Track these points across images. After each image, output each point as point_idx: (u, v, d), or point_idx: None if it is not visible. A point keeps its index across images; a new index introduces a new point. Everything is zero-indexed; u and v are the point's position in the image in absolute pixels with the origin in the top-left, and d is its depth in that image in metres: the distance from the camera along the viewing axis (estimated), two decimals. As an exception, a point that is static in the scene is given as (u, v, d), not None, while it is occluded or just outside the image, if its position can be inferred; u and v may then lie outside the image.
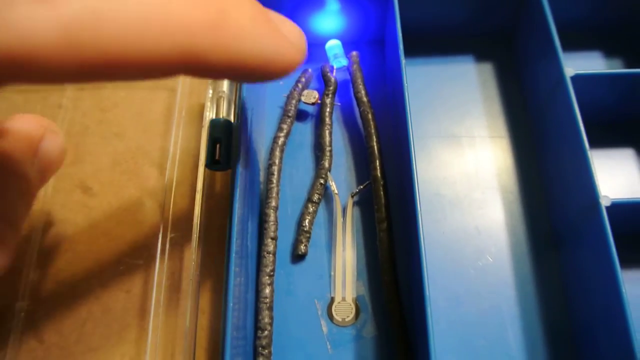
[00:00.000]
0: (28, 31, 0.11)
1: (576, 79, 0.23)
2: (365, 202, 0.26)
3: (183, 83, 0.29)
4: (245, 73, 0.15)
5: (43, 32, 0.11)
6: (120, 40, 0.11)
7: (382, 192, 0.24)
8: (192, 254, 0.24)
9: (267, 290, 0.23)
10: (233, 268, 0.21)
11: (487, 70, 0.29)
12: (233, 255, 0.21)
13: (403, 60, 0.24)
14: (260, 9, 0.15)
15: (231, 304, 0.20)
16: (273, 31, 0.15)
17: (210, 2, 0.13)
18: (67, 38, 0.11)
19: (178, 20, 0.12)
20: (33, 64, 0.11)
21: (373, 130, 0.25)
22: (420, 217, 0.21)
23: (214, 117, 0.25)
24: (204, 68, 0.14)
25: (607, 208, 0.21)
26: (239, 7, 0.14)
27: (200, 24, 0.13)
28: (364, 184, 0.25)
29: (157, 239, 0.25)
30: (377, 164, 0.25)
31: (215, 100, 0.25)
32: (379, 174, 0.25)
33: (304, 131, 0.28)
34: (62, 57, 0.11)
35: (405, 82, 0.23)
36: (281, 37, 0.15)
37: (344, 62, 0.28)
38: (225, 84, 0.25)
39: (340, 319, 0.24)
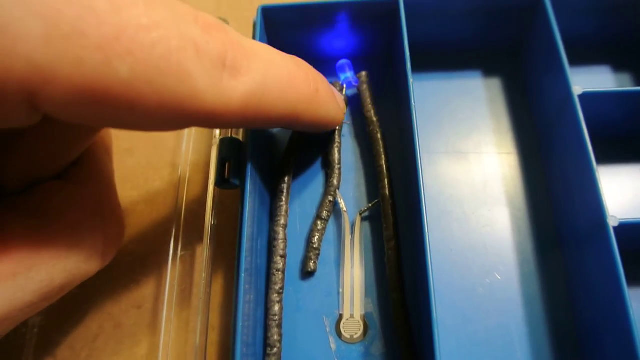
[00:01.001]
0: (228, 96, 0.15)
1: (584, 97, 0.24)
2: (373, 219, 0.26)
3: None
4: (318, 127, 0.23)
5: (234, 98, 0.16)
6: (267, 104, 0.17)
7: (390, 211, 0.24)
8: (202, 272, 0.24)
9: (277, 308, 0.23)
10: (243, 285, 0.21)
11: (494, 86, 0.29)
12: (243, 273, 0.21)
13: (410, 77, 0.24)
14: (329, 85, 0.23)
15: (241, 322, 0.20)
16: (335, 101, 0.23)
17: (312, 82, 0.20)
18: (245, 101, 0.16)
19: (295, 93, 0.19)
20: (221, 118, 0.16)
21: (382, 150, 0.26)
22: (427, 235, 0.21)
23: (223, 136, 0.25)
24: (297, 124, 0.21)
25: (615, 228, 0.21)
26: (323, 86, 0.21)
27: (305, 97, 0.19)
28: (373, 203, 0.26)
29: (168, 255, 0.26)
30: (386, 182, 0.25)
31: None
32: (387, 193, 0.25)
33: (314, 148, 0.28)
34: (237, 114, 0.16)
35: (412, 98, 0.24)
36: (338, 105, 0.23)
37: (353, 81, 0.28)
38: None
39: (348, 336, 0.24)
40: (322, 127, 0.23)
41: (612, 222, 0.21)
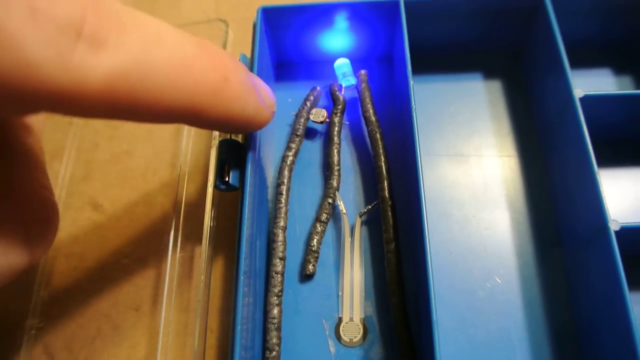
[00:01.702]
0: (82, 74, 0.12)
1: (585, 99, 0.23)
2: (373, 221, 0.26)
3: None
4: (231, 127, 0.19)
5: (92, 78, 0.12)
6: (146, 92, 0.14)
7: (390, 213, 0.24)
8: (201, 274, 0.24)
9: (275, 311, 0.23)
10: (242, 288, 0.21)
11: (495, 88, 0.29)
12: (242, 275, 0.21)
13: (411, 79, 0.24)
14: (247, 75, 0.18)
15: (239, 325, 0.20)
16: (255, 95, 0.18)
17: (218, 70, 0.16)
18: (109, 84, 0.13)
19: (193, 81, 0.15)
20: (75, 101, 0.12)
21: (381, 150, 0.26)
22: (427, 238, 0.21)
23: (222, 137, 0.25)
24: (200, 121, 0.17)
25: (616, 232, 0.21)
26: (235, 74, 0.17)
27: (207, 87, 0.16)
28: (372, 204, 0.26)
29: (167, 257, 0.26)
30: (385, 184, 0.25)
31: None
32: (387, 195, 0.25)
33: (313, 150, 0.28)
34: (99, 99, 0.13)
35: (412, 100, 0.24)
36: (260, 100, 0.19)
37: (352, 80, 0.28)
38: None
39: (348, 340, 0.24)
40: (237, 127, 0.19)
41: (613, 226, 0.21)
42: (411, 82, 0.24)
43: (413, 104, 0.23)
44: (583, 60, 0.29)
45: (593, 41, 0.29)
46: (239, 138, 0.25)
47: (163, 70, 0.14)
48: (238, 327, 0.20)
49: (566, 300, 0.24)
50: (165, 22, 0.15)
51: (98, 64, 0.12)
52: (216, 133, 0.26)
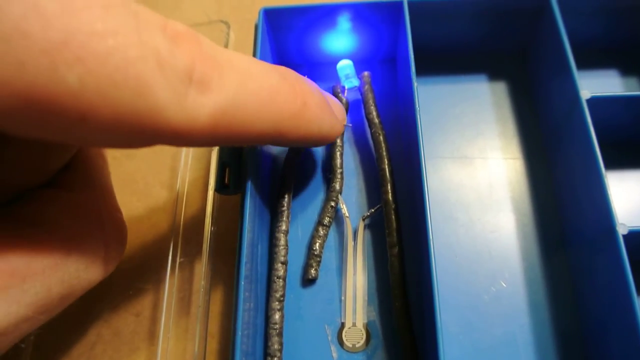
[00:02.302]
0: (195, 114, 0.14)
1: (592, 101, 0.23)
2: (376, 225, 0.25)
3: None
4: (309, 144, 0.21)
5: (202, 117, 0.14)
6: (241, 123, 0.16)
7: (393, 216, 0.24)
8: (201, 279, 0.24)
9: (277, 316, 0.23)
10: (243, 293, 0.20)
11: (500, 90, 0.29)
12: (242, 280, 0.21)
13: (414, 80, 0.24)
14: (322, 95, 0.20)
15: (240, 330, 0.20)
16: (329, 113, 0.21)
17: (299, 96, 0.18)
18: (213, 120, 0.15)
19: (278, 109, 0.17)
20: (187, 137, 0.14)
21: (384, 153, 0.25)
22: (432, 242, 0.20)
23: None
24: (283, 142, 0.19)
25: (624, 236, 0.20)
26: (312, 99, 0.19)
27: (290, 112, 0.18)
28: (375, 208, 0.25)
29: (167, 262, 0.25)
30: (389, 187, 0.24)
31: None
32: (390, 198, 0.24)
33: (315, 152, 0.28)
34: (205, 133, 0.15)
35: (416, 102, 0.23)
36: (334, 117, 0.21)
37: (355, 82, 0.28)
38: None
39: (350, 345, 0.23)
40: (315, 142, 0.21)
41: (621, 230, 0.20)
42: (415, 84, 0.24)
43: (417, 105, 0.23)
44: (589, 61, 0.28)
45: (599, 42, 0.29)
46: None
47: (254, 102, 0.16)
48: (239, 333, 0.20)
49: (572, 304, 0.24)
50: (250, 57, 0.17)
51: (205, 104, 0.14)
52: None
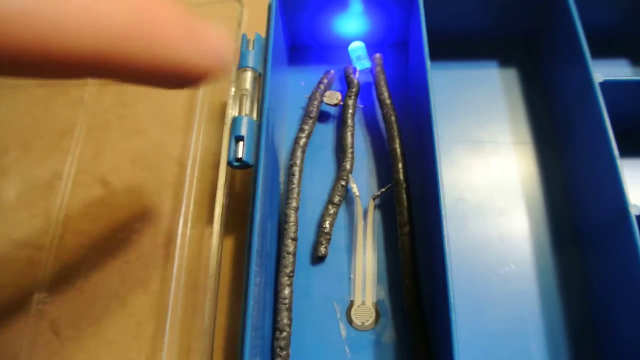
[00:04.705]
0: None
1: (605, 85, 0.23)
2: (386, 205, 0.25)
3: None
4: (161, 79, 0.14)
5: None
6: (34, 28, 0.11)
7: (404, 196, 0.24)
8: (212, 252, 0.24)
9: (287, 291, 0.23)
10: (253, 267, 0.20)
11: (511, 75, 0.29)
12: (254, 253, 0.21)
13: (428, 64, 0.24)
14: (180, 14, 0.14)
15: (251, 303, 0.20)
16: (193, 38, 0.14)
17: (130, 3, 0.13)
18: None
19: (101, 20, 0.12)
20: None
21: (396, 133, 0.25)
22: (445, 225, 0.20)
23: (236, 114, 0.25)
24: (116, 69, 0.13)
25: (637, 217, 0.20)
26: (159, 11, 0.13)
27: (119, 23, 0.12)
28: (386, 187, 0.25)
29: (177, 236, 0.25)
30: (400, 166, 0.24)
31: (238, 98, 0.25)
32: (401, 177, 0.24)
33: (326, 133, 0.28)
34: None
35: (430, 86, 0.23)
36: (201, 45, 0.15)
37: (367, 64, 0.28)
38: (248, 82, 0.25)
39: (359, 323, 0.23)
40: (171, 77, 0.14)
41: (634, 211, 0.20)
42: (428, 66, 0.24)
43: (431, 88, 0.23)
44: (600, 48, 0.28)
45: (611, 28, 0.29)
46: (254, 116, 0.25)
47: (55, 7, 0.11)
48: (250, 307, 0.20)
49: (582, 288, 0.24)
50: None
51: None
52: (230, 110, 0.25)
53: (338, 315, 0.23)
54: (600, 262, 0.23)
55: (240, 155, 0.23)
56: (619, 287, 0.21)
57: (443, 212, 0.21)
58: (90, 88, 0.30)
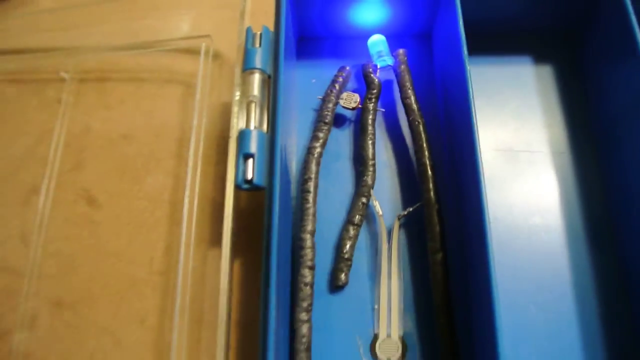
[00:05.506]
0: None
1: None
2: (413, 224, 0.23)
3: (203, 78, 0.25)
4: None
5: None
6: None
7: (436, 219, 0.21)
8: (219, 282, 0.21)
9: (305, 329, 0.20)
10: (275, 302, 0.18)
11: (548, 75, 0.26)
12: (273, 287, 0.18)
13: (467, 60, 0.21)
14: None
15: (272, 343, 0.17)
16: None
17: None
18: None
19: None
20: None
21: (425, 144, 0.22)
22: (492, 259, 0.18)
23: (243, 127, 0.21)
24: None
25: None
26: None
27: None
28: (415, 206, 0.22)
29: (177, 262, 0.22)
30: (431, 184, 0.22)
31: (245, 106, 0.22)
32: (432, 196, 0.22)
33: (342, 140, 0.25)
34: None
35: (470, 87, 0.20)
36: None
37: (389, 61, 0.25)
38: (256, 87, 0.22)
39: (385, 358, 0.21)
40: None
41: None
42: (467, 64, 0.20)
43: (470, 90, 0.20)
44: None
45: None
46: (264, 127, 0.21)
47: None
48: (271, 346, 0.17)
49: (627, 310, 0.22)
50: None
51: None
52: (234, 120, 0.22)
53: (361, 350, 0.21)
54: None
55: (250, 176, 0.20)
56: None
57: (489, 237, 0.18)
58: (69, 86, 0.27)
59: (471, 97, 0.20)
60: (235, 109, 0.22)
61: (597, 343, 0.21)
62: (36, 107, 0.26)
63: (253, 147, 0.20)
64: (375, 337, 0.21)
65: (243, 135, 0.21)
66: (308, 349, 0.20)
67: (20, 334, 0.21)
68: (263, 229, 0.19)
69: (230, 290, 0.21)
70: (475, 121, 0.20)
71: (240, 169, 0.20)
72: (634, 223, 0.22)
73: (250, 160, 0.20)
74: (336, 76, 0.25)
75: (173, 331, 0.21)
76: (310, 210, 0.22)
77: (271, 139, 0.20)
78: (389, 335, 0.21)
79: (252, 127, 0.21)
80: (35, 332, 0.22)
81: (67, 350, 0.22)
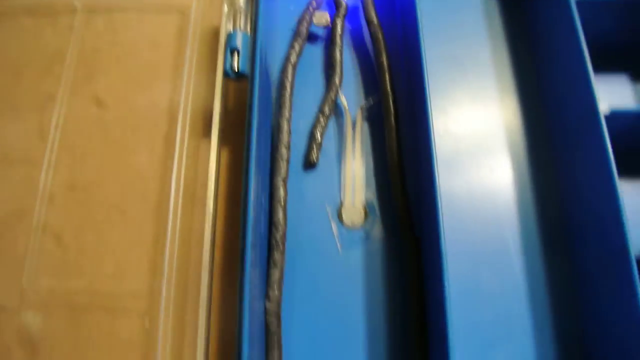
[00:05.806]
0: None
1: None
2: (374, 120, 0.27)
3: (196, 5, 0.30)
4: None
5: None
6: None
7: (391, 104, 0.25)
8: (209, 167, 0.25)
9: (282, 192, 0.24)
10: (253, 170, 0.22)
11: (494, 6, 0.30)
12: (252, 159, 0.22)
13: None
14: None
15: (251, 199, 0.21)
16: None
17: None
18: None
19: None
20: None
21: (382, 47, 0.27)
22: (432, 127, 0.22)
23: (231, 29, 0.26)
24: None
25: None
26: None
27: None
28: (374, 97, 0.27)
29: (174, 151, 0.26)
30: (387, 77, 0.26)
31: (232, 14, 0.26)
32: (388, 88, 0.26)
33: (315, 54, 0.29)
34: None
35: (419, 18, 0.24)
36: None
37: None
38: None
39: (349, 222, 0.25)
40: None
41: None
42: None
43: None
44: None
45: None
46: (248, 30, 0.26)
47: None
48: (250, 200, 0.21)
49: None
50: None
51: None
52: (224, 25, 0.26)
53: (329, 215, 0.25)
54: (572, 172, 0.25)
55: (235, 65, 0.24)
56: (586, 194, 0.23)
57: (430, 118, 0.22)
58: (80, 16, 0.31)
59: (420, 17, 0.24)
60: (224, 17, 0.26)
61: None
62: (51, 34, 0.30)
63: (238, 44, 0.25)
64: (342, 205, 0.25)
65: (230, 36, 0.25)
66: (284, 208, 0.24)
67: (39, 211, 0.25)
68: (246, 111, 0.23)
69: (219, 170, 0.25)
70: (422, 35, 0.24)
71: (227, 60, 0.24)
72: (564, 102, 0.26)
73: (236, 54, 0.25)
74: (310, 2, 0.29)
75: (169, 203, 0.25)
76: (287, 102, 0.26)
77: (253, 38, 0.25)
78: (353, 204, 0.25)
79: (238, 29, 0.25)
80: (52, 209, 0.26)
81: (80, 222, 0.25)
